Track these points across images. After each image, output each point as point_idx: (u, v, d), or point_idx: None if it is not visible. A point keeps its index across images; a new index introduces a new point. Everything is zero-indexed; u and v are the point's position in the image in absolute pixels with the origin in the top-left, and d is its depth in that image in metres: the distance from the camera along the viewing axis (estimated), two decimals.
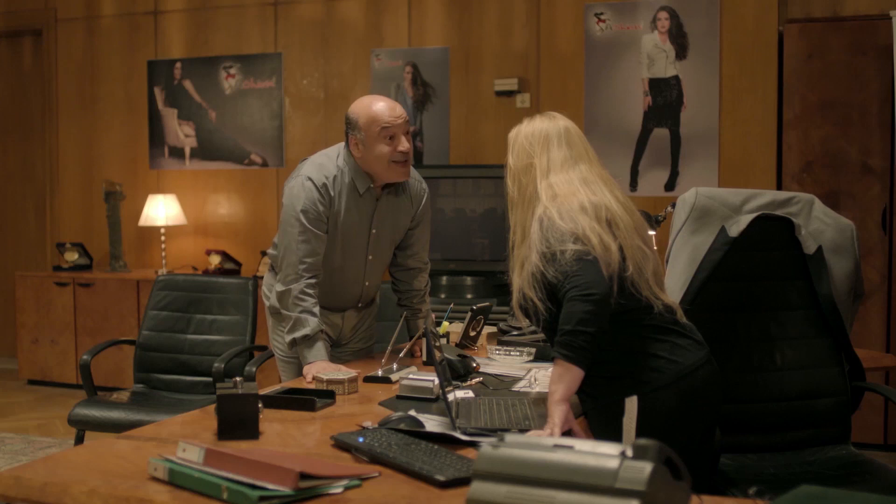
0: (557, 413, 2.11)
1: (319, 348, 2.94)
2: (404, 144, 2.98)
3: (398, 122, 2.97)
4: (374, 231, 3.13)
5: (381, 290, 3.43)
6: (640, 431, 2.18)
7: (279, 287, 3.03)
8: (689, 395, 2.25)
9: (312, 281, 2.99)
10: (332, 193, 3.02)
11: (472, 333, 3.39)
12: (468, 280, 5.42)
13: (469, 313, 3.35)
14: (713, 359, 2.34)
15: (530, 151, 2.40)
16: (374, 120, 2.96)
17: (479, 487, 1.44)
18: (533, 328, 3.31)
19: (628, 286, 2.25)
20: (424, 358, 3.13)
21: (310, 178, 3.01)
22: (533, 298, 2.24)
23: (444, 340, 3.21)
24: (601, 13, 5.55)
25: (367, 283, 3.23)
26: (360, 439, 2.02)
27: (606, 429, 2.23)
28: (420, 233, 3.27)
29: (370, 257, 3.17)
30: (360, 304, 3.29)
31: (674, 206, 2.90)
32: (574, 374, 2.12)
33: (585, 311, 2.11)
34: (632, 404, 2.19)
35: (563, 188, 2.32)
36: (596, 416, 2.30)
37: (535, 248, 2.25)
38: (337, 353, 3.29)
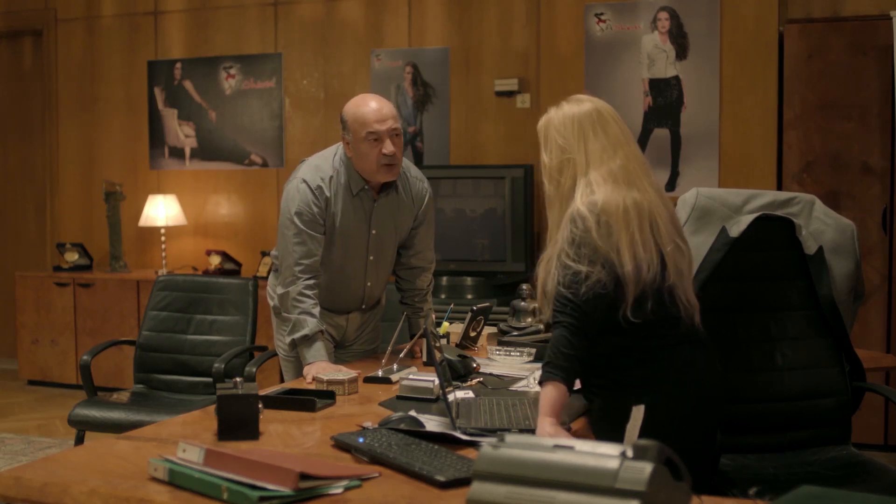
0: (544, 430, 2.11)
1: (319, 348, 2.95)
2: (389, 148, 2.96)
3: (384, 127, 2.95)
4: (373, 232, 3.13)
5: (386, 291, 3.42)
6: (642, 432, 2.17)
7: (279, 290, 3.04)
8: (694, 400, 2.26)
9: (311, 282, 2.99)
10: (327, 195, 3.02)
11: (473, 334, 3.39)
12: (468, 280, 5.42)
13: (469, 314, 3.34)
14: (718, 363, 2.34)
15: (565, 146, 2.29)
16: (360, 123, 2.96)
17: (479, 488, 1.44)
18: (533, 328, 3.32)
19: (666, 296, 2.22)
20: (425, 358, 3.12)
21: (304, 181, 3.02)
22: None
23: (444, 341, 3.21)
24: (601, 13, 5.54)
25: (368, 284, 3.22)
26: (361, 440, 2.02)
27: (610, 432, 2.21)
28: (423, 232, 3.27)
29: (371, 258, 3.17)
30: (363, 307, 3.28)
31: (674, 206, 2.89)
32: (554, 392, 2.14)
33: (567, 341, 2.15)
34: (638, 412, 2.18)
35: (602, 189, 2.21)
36: (601, 417, 2.30)
37: (561, 249, 2.21)
38: (341, 354, 3.29)
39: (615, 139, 2.29)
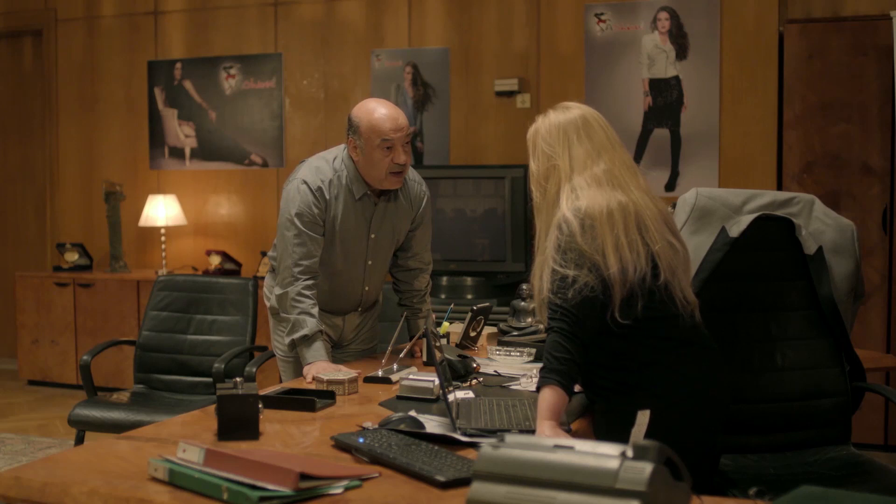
0: (544, 433, 2.11)
1: (318, 348, 2.94)
2: (401, 157, 2.97)
3: (399, 135, 2.95)
4: (372, 236, 3.13)
5: (382, 291, 3.43)
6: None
7: (277, 290, 3.04)
8: (694, 400, 2.26)
9: (310, 283, 2.99)
10: (327, 197, 3.02)
11: (473, 334, 3.39)
12: (468, 280, 5.42)
13: (469, 314, 3.34)
14: (722, 363, 2.34)
15: (551, 153, 2.31)
16: (374, 131, 2.94)
17: (479, 488, 1.44)
18: (533, 328, 3.32)
19: (660, 294, 2.22)
20: (425, 358, 3.12)
21: (305, 182, 3.02)
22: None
23: (444, 341, 3.21)
24: (601, 13, 5.55)
25: (366, 288, 3.22)
26: (361, 440, 2.02)
27: (611, 433, 2.21)
28: (421, 234, 3.27)
29: (370, 262, 3.16)
30: (360, 308, 3.29)
31: (674, 206, 2.90)
32: (552, 396, 2.13)
33: (560, 346, 2.15)
34: (644, 417, 2.18)
35: (586, 193, 2.23)
36: (604, 419, 2.30)
37: (549, 256, 2.22)
38: (339, 354, 3.29)
39: (600, 144, 2.32)
